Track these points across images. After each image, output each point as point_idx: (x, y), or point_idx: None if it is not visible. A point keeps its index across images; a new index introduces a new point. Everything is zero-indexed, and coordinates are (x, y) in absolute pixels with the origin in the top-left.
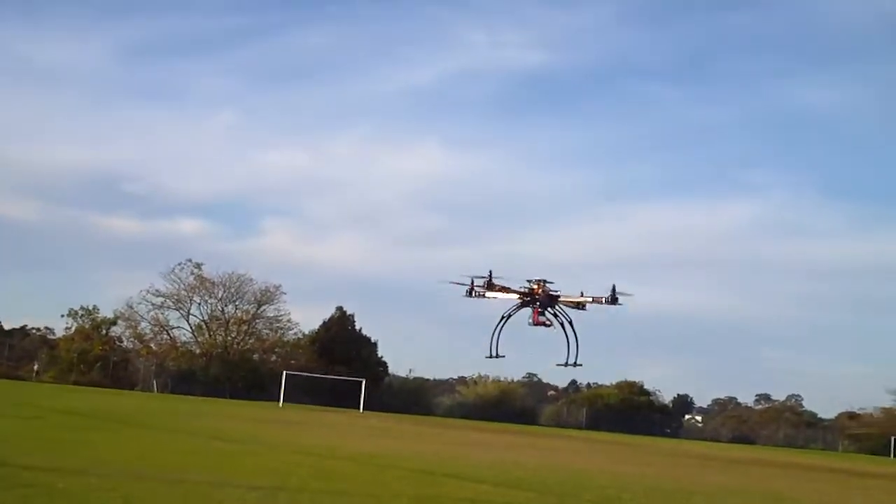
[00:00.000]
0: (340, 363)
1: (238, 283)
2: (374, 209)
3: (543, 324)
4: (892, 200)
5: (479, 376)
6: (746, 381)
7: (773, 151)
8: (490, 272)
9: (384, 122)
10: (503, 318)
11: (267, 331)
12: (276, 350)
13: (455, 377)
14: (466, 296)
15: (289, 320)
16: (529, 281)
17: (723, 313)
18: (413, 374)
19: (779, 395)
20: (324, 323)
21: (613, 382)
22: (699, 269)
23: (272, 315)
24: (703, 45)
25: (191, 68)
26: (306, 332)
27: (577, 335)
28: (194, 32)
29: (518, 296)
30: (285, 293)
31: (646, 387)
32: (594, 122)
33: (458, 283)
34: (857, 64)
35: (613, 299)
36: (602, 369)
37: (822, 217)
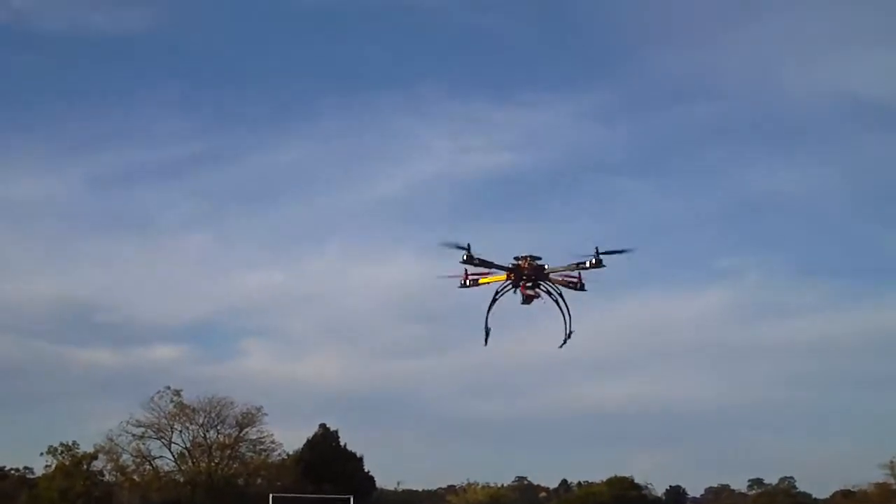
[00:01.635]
0: (327, 481)
1: (218, 408)
2: (352, 322)
3: (532, 297)
4: (863, 275)
5: (469, 483)
6: (738, 467)
7: (744, 236)
8: (468, 245)
9: (357, 234)
10: (494, 298)
11: (251, 454)
12: (262, 473)
13: (444, 486)
14: (462, 287)
15: (272, 441)
16: (516, 258)
17: (708, 399)
18: (401, 487)
19: (771, 479)
20: (308, 441)
21: (604, 479)
22: (680, 358)
23: (255, 437)
24: (670, 137)
25: (162, 195)
26: (290, 453)
27: (569, 307)
28: (164, 160)
29: (504, 272)
30: (267, 414)
31: (637, 481)
32: (565, 218)
33: (451, 277)
34: (817, 146)
35: (598, 262)
36: (592, 465)
37: (797, 296)
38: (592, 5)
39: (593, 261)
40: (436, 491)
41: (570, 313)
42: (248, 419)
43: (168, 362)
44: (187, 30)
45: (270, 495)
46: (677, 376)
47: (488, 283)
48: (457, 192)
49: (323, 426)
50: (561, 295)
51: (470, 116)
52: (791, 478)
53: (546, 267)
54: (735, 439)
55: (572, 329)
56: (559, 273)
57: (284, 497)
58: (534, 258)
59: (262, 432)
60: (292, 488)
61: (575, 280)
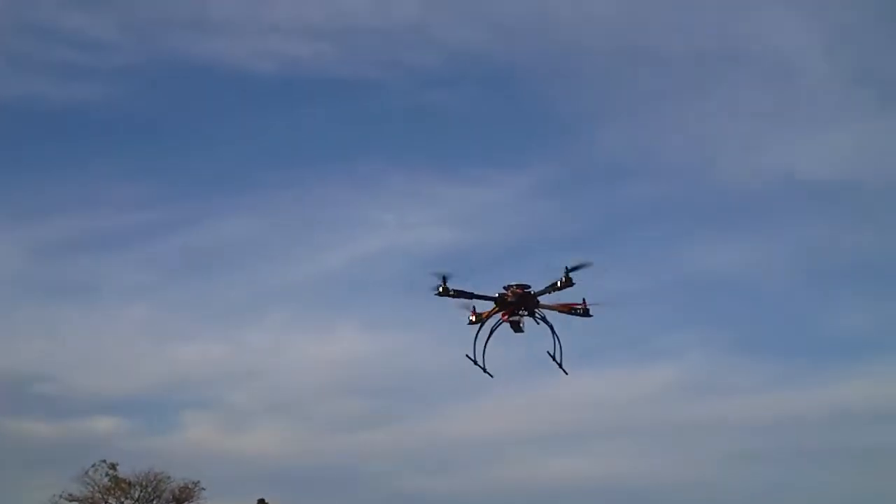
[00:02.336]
0: None
1: (155, 482)
2: (295, 396)
3: (517, 322)
4: (805, 353)
5: None
6: None
7: (686, 314)
8: (443, 277)
9: (301, 307)
10: (490, 331)
11: None
12: None
13: None
14: (470, 324)
15: None
16: (505, 287)
17: (650, 479)
18: None
19: None
20: None
21: None
22: (623, 437)
23: None
24: (613, 214)
25: (105, 265)
26: None
27: (561, 342)
28: (108, 230)
29: (492, 301)
30: (205, 489)
31: None
32: None
33: (463, 308)
34: (759, 225)
35: (568, 280)
36: None
37: (739, 374)
38: (537, 83)
39: (563, 279)
40: None
41: (562, 349)
42: (186, 494)
43: (106, 435)
44: (135, 101)
45: None
46: (621, 454)
47: (488, 316)
48: (401, 267)
49: (262, 501)
50: (552, 328)
51: (414, 191)
52: None
53: (533, 293)
54: None
55: (560, 362)
56: (548, 297)
57: None
58: (521, 286)
59: None
60: None
61: (579, 306)
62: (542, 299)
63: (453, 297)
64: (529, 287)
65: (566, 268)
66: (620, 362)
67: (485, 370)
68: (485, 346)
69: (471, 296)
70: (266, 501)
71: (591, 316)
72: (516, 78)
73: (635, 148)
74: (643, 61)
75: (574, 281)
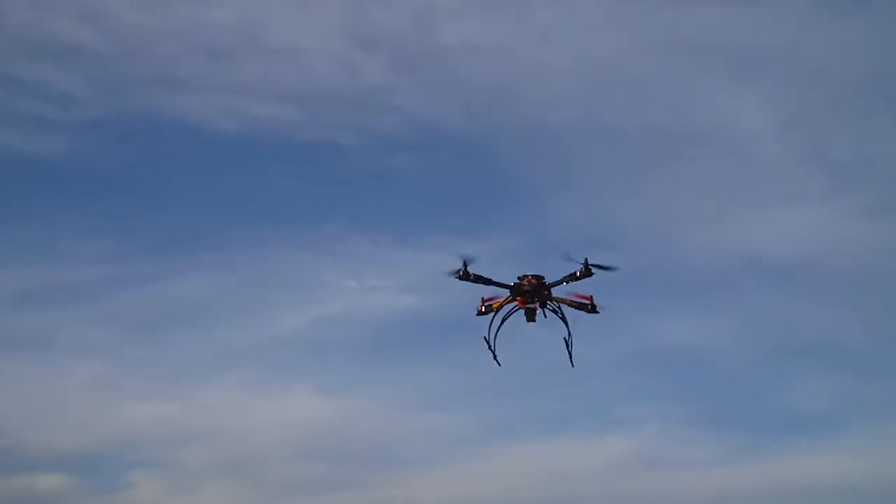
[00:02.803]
0: None
1: None
2: (248, 458)
3: (534, 310)
4: (760, 429)
5: None
6: None
7: (643, 386)
8: (464, 261)
9: (257, 368)
10: (503, 319)
11: None
12: None
13: None
14: (479, 315)
15: None
16: (520, 277)
17: None
18: None
19: None
20: None
21: None
22: None
23: None
24: (569, 287)
25: (60, 318)
26: None
27: (573, 338)
28: (67, 283)
29: (508, 289)
30: None
31: None
32: (467, 362)
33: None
34: (717, 300)
35: (587, 271)
36: None
37: (695, 447)
38: (501, 154)
39: (583, 270)
40: None
41: (571, 336)
42: None
43: (53, 492)
44: (101, 155)
45: None
46: None
47: (502, 305)
48: (361, 332)
49: None
50: (562, 310)
51: (376, 256)
52: None
53: (547, 282)
54: None
55: (571, 350)
56: (562, 289)
57: None
58: (536, 276)
59: None
60: None
61: (587, 301)
62: (555, 291)
63: (472, 281)
64: (544, 277)
65: (586, 259)
66: (578, 432)
67: (495, 357)
68: (496, 333)
69: (488, 282)
70: None
71: (598, 313)
72: (480, 148)
73: (596, 221)
74: (605, 137)
75: (593, 272)
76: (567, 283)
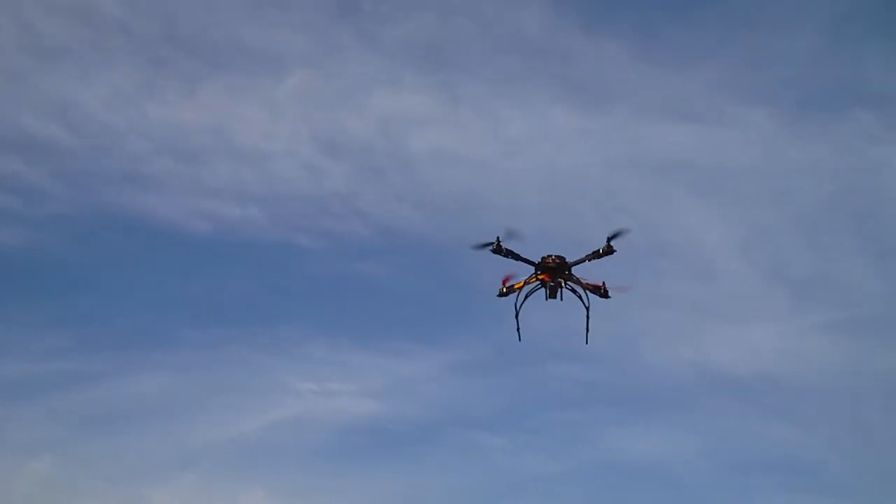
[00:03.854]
0: None
1: None
2: None
3: (556, 287)
4: None
5: None
6: None
7: (601, 500)
8: (498, 237)
9: (210, 471)
10: (526, 295)
11: None
12: None
13: None
14: (500, 296)
15: None
16: (543, 257)
17: None
18: None
19: None
20: None
21: None
22: None
23: None
24: (531, 397)
25: (8, 414)
26: None
27: (590, 318)
28: (15, 377)
29: (533, 266)
30: None
31: None
32: (425, 470)
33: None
34: (675, 414)
35: (609, 248)
36: None
37: None
38: (467, 260)
39: (605, 247)
40: None
41: (590, 304)
42: None
43: None
44: (63, 250)
45: None
46: None
47: (521, 287)
48: (319, 436)
49: None
50: (586, 292)
51: (336, 360)
52: None
53: (568, 262)
54: None
55: (589, 314)
56: (581, 266)
57: None
58: (559, 256)
59: None
60: None
61: (599, 286)
62: (575, 271)
63: (504, 255)
64: (564, 258)
65: (608, 237)
66: None
67: (518, 330)
68: (519, 308)
69: (517, 257)
70: None
71: (609, 297)
72: (443, 255)
73: (560, 332)
74: (568, 247)
75: (615, 248)
76: (589, 260)
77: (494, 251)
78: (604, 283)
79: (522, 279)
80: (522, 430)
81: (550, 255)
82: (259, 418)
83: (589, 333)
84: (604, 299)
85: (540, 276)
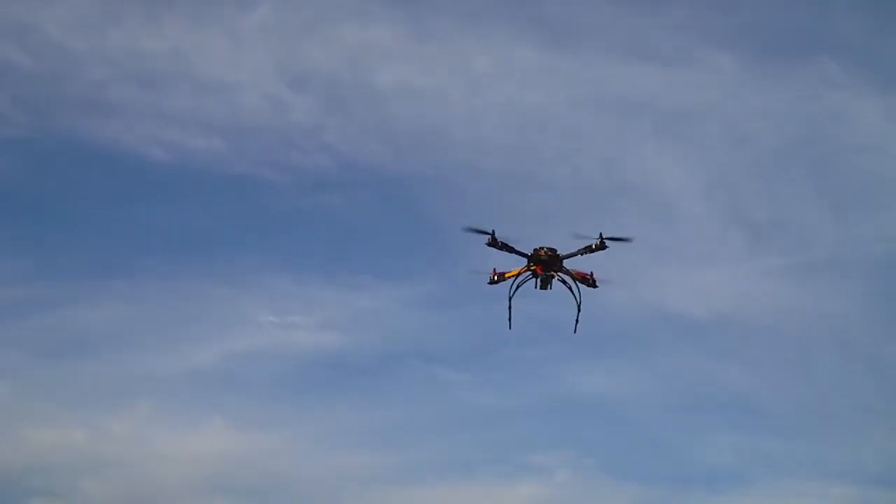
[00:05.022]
0: None
1: None
2: (155, 490)
3: (550, 278)
4: (668, 481)
5: None
6: None
7: (556, 434)
8: (493, 230)
9: (168, 400)
10: (517, 285)
11: None
12: None
13: None
14: (491, 283)
15: None
16: (535, 249)
17: None
18: None
19: None
20: None
21: None
22: None
23: None
24: (487, 334)
25: None
26: None
27: (581, 304)
28: None
29: (525, 258)
30: None
31: None
32: (383, 403)
33: (477, 272)
34: (632, 353)
35: (602, 244)
36: None
37: (603, 497)
38: (427, 197)
39: (598, 243)
40: None
41: (581, 295)
42: None
43: None
44: (21, 175)
45: None
46: None
47: (512, 276)
48: (279, 367)
49: None
50: (575, 282)
51: (297, 293)
52: None
53: (560, 254)
54: None
55: (580, 302)
56: (573, 259)
57: None
58: (551, 249)
59: None
60: None
61: (588, 276)
62: (567, 263)
63: (499, 248)
64: (557, 250)
65: (601, 233)
66: (488, 477)
67: (509, 319)
68: (512, 296)
69: (511, 249)
70: None
71: (597, 287)
72: (407, 190)
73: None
74: (531, 186)
75: (608, 245)
76: (582, 255)
77: (489, 244)
78: (591, 273)
79: (514, 268)
80: (481, 365)
81: (543, 248)
82: (219, 349)
83: (578, 325)
84: (592, 288)
85: (532, 268)
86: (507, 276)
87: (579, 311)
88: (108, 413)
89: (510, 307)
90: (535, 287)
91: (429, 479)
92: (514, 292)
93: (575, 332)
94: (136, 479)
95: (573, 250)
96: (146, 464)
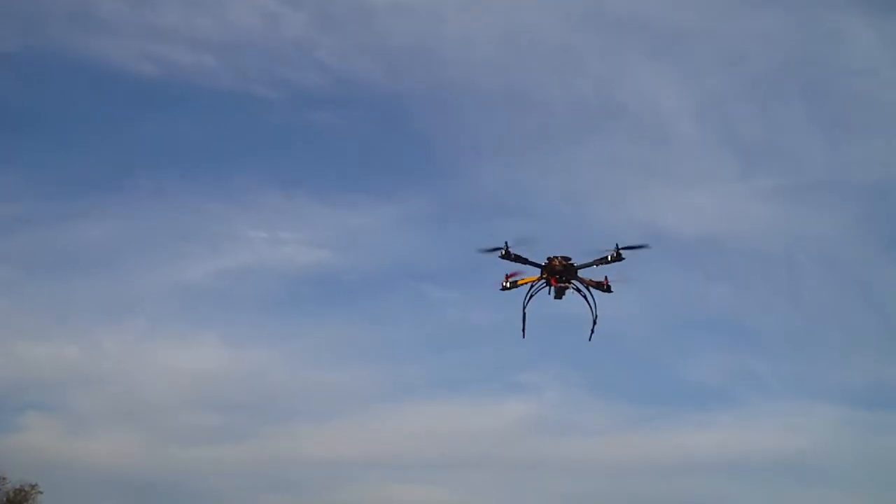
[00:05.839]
0: None
1: None
2: (146, 406)
3: (563, 289)
4: (655, 400)
5: None
6: None
7: (545, 353)
8: (506, 243)
9: (161, 316)
10: (530, 294)
11: None
12: None
13: None
14: (503, 290)
15: None
16: (549, 258)
17: None
18: None
19: None
20: None
21: None
22: (473, 468)
23: None
24: (477, 253)
25: None
26: None
27: (596, 303)
28: None
29: (539, 268)
30: (42, 492)
31: None
32: (374, 320)
33: (486, 250)
34: (623, 271)
35: (618, 256)
36: None
37: (590, 416)
38: (421, 115)
39: (614, 254)
40: None
41: (596, 305)
42: (21, 497)
43: None
44: (11, 91)
45: None
46: (469, 486)
47: (525, 283)
48: (268, 285)
49: None
50: (589, 290)
51: (288, 210)
52: None
53: (575, 264)
54: None
55: (596, 315)
56: (587, 269)
57: None
58: (565, 258)
59: None
60: None
61: (602, 282)
62: (581, 272)
63: (513, 260)
64: (571, 258)
65: (617, 244)
66: (479, 395)
67: (523, 328)
68: (526, 305)
69: (525, 261)
70: None
71: (612, 292)
72: (400, 108)
73: (510, 188)
74: (524, 105)
75: (624, 257)
76: (597, 265)
77: (503, 257)
78: (606, 278)
79: (527, 276)
80: (471, 283)
81: (556, 257)
82: (210, 265)
83: (593, 334)
84: (607, 293)
85: (545, 276)
86: (519, 283)
87: (595, 323)
88: (101, 329)
89: (524, 317)
90: (548, 293)
91: (418, 396)
92: (528, 300)
93: (590, 340)
94: (128, 394)
95: (588, 260)
96: (138, 379)
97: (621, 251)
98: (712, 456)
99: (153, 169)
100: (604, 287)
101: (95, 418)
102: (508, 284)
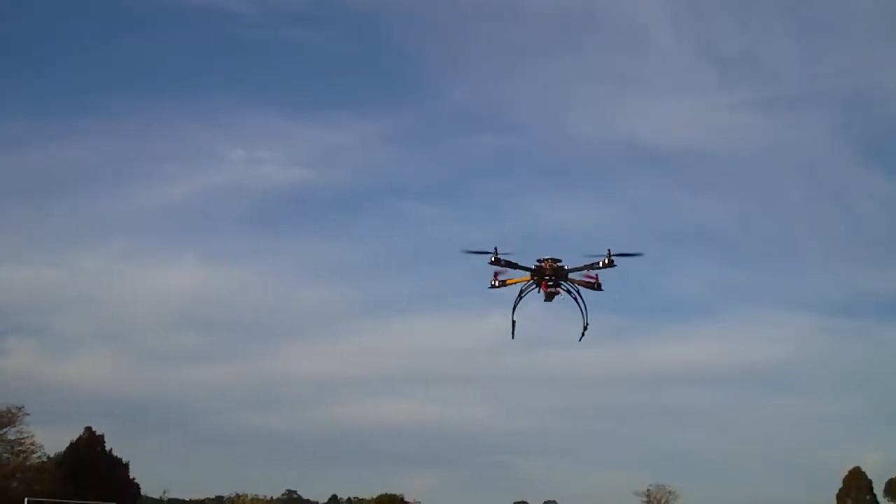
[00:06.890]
0: (90, 486)
1: None
2: (127, 326)
3: (553, 294)
4: (637, 313)
5: (238, 495)
6: (504, 490)
7: (529, 265)
8: (496, 248)
9: (140, 237)
10: (520, 295)
11: (7, 455)
12: (18, 475)
13: (213, 497)
14: (492, 288)
15: (32, 443)
16: (539, 260)
17: (481, 425)
18: (167, 496)
19: (536, 502)
20: (71, 445)
21: (374, 496)
22: (458, 383)
23: (13, 438)
24: (460, 165)
25: None
26: (52, 455)
27: (586, 303)
28: None
29: (529, 272)
30: (29, 414)
31: (407, 499)
32: (354, 237)
33: (472, 252)
34: (599, 184)
35: (610, 262)
36: (364, 482)
37: (573, 329)
38: (399, 30)
39: (605, 261)
40: (203, 501)
41: (587, 310)
42: (7, 419)
43: None
44: None
45: (26, 499)
46: (454, 400)
47: (515, 283)
48: (247, 204)
49: (88, 430)
50: (579, 293)
51: (265, 129)
52: (554, 501)
53: (566, 267)
54: (504, 463)
55: (588, 322)
56: (578, 273)
57: (41, 502)
58: (555, 260)
59: (21, 433)
60: (52, 493)
61: (593, 280)
62: (571, 275)
63: (503, 266)
64: (561, 261)
65: (609, 251)
66: (459, 309)
67: (513, 331)
68: (516, 306)
69: (515, 266)
70: (94, 430)
71: (602, 290)
72: (376, 22)
73: (487, 101)
74: (501, 18)
75: (616, 263)
76: (589, 270)
77: (492, 263)
78: (597, 277)
79: (517, 276)
80: (450, 198)
81: (546, 260)
82: (188, 185)
83: (584, 337)
84: (597, 292)
85: (535, 279)
86: (508, 282)
87: (586, 328)
88: (80, 251)
89: (514, 322)
90: (539, 296)
91: (399, 311)
92: (518, 302)
93: (580, 341)
94: (109, 316)
95: (579, 265)
96: (119, 300)
97: (613, 258)
98: (692, 367)
99: (129, 90)
100: (594, 286)
101: (77, 340)
102: (498, 283)
